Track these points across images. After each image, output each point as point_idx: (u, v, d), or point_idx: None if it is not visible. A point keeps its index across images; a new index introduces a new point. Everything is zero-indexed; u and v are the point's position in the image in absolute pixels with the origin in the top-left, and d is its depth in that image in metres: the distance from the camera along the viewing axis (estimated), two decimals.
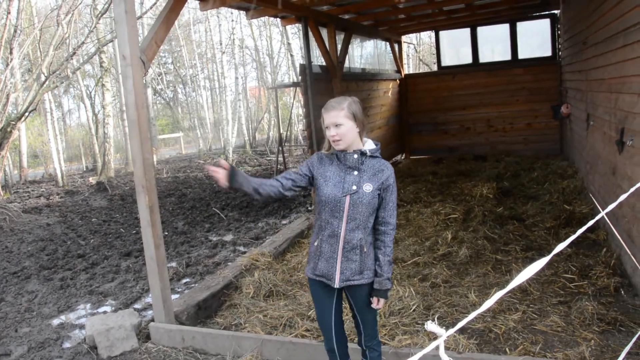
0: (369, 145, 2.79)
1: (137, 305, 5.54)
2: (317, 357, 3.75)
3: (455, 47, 12.55)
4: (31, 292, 6.33)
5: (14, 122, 12.17)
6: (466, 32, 11.93)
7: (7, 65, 12.62)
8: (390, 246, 2.79)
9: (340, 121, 2.66)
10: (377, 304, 2.79)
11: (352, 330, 3.67)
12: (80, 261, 7.46)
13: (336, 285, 2.75)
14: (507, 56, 11.83)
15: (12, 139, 12.76)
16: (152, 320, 4.55)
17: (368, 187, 2.68)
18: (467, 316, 3.80)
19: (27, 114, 12.67)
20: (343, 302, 2.99)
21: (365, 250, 2.72)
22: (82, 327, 4.99)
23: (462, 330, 3.90)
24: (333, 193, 2.70)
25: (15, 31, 12.37)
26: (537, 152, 11.33)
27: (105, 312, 5.31)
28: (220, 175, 2.62)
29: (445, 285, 4.89)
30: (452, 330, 1.22)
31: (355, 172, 2.72)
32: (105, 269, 6.97)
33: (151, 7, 15.46)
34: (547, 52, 11.53)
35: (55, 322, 5.32)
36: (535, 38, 11.69)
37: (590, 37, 6.58)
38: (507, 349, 3.66)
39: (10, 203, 12.67)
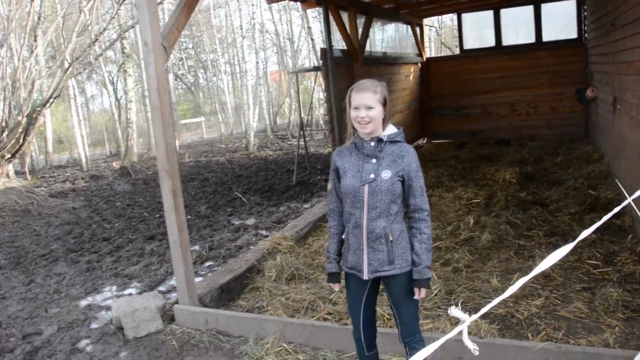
0: (389, 130, 2.70)
1: (162, 288, 5.64)
2: (338, 340, 3.79)
3: (477, 30, 12.37)
4: (59, 274, 6.48)
5: (39, 109, 12.35)
6: (489, 14, 11.73)
7: (32, 52, 12.79)
8: (427, 233, 2.67)
9: (373, 104, 2.57)
10: (419, 294, 2.68)
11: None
12: (105, 244, 7.60)
13: (365, 276, 2.69)
14: (531, 39, 11.61)
15: (37, 125, 12.96)
16: (176, 302, 4.63)
17: (386, 174, 2.60)
18: (489, 301, 3.77)
19: (51, 100, 12.85)
20: (380, 294, 2.91)
21: (391, 239, 2.63)
22: (108, 308, 5.10)
23: (483, 315, 3.89)
24: (351, 183, 2.65)
25: (39, 19, 12.51)
26: (561, 136, 11.14)
27: (130, 294, 5.43)
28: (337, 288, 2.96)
29: (467, 270, 4.88)
30: (475, 316, 1.22)
31: (374, 160, 2.64)
32: (130, 252, 7.09)
33: None
34: (573, 34, 11.29)
35: (83, 303, 5.45)
36: (561, 20, 11.45)
37: (618, 18, 6.42)
38: (529, 335, 3.66)
39: (37, 187, 12.93)
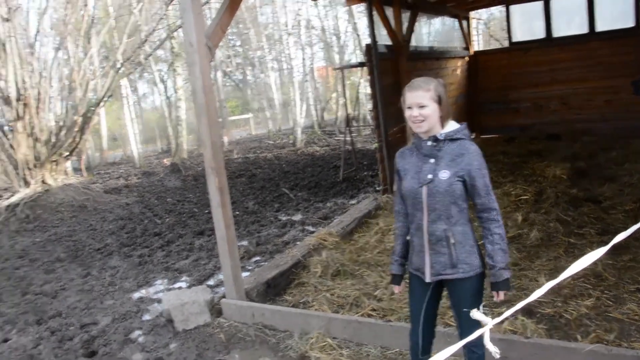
0: (449, 127, 2.60)
1: (210, 282, 5.79)
2: (382, 336, 3.80)
3: (527, 22, 12.01)
4: (113, 267, 6.74)
5: (93, 108, 12.84)
6: (539, 5, 11.37)
7: (86, 54, 13.29)
8: (499, 232, 2.54)
9: (425, 102, 2.50)
10: (498, 296, 2.59)
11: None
12: (156, 239, 7.84)
13: (427, 279, 2.64)
14: (584, 29, 11.19)
15: (92, 123, 13.49)
16: (224, 296, 4.74)
17: (444, 174, 2.51)
18: (537, 300, 3.68)
19: (105, 99, 13.33)
20: (442, 298, 2.86)
21: (453, 241, 2.54)
22: (159, 301, 5.28)
23: (530, 315, 3.83)
24: (410, 185, 2.60)
25: (92, 22, 12.99)
26: (616, 130, 10.70)
27: (180, 288, 5.59)
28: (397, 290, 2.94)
29: (515, 268, 4.79)
30: (497, 320, 1.22)
31: (432, 160, 2.56)
32: (180, 247, 7.30)
33: None
34: (629, 22, 10.82)
35: (136, 295, 5.66)
36: (616, 8, 10.98)
37: None
38: (578, 336, 3.55)
39: (92, 184, 13.47)
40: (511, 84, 11.86)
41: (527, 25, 11.98)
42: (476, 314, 1.26)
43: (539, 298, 3.89)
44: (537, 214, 6.10)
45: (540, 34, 11.62)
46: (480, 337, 2.68)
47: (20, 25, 12.27)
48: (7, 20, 11.10)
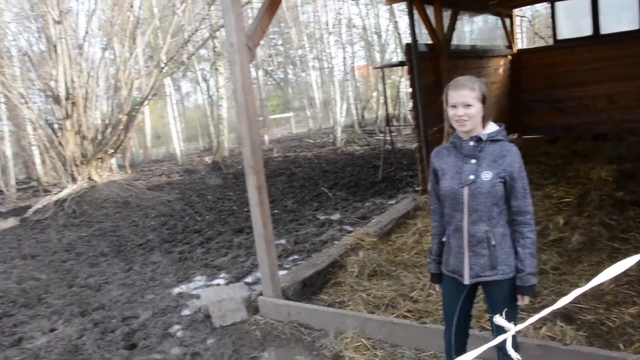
0: (490, 128, 2.57)
1: (248, 279, 5.86)
2: (417, 338, 3.77)
3: (573, 19, 11.66)
4: (154, 262, 6.91)
5: (137, 106, 13.18)
6: (586, 1, 11.05)
7: (132, 54, 13.64)
8: (530, 237, 2.53)
9: (470, 101, 2.47)
10: (522, 300, 2.58)
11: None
12: (196, 236, 7.99)
13: (466, 281, 2.62)
14: (635, 25, 10.81)
15: (136, 121, 13.84)
16: (261, 294, 4.80)
17: (487, 175, 2.48)
18: (577, 307, 3.59)
19: (149, 98, 13.66)
20: (476, 299, 2.85)
21: (493, 243, 2.52)
22: (198, 297, 5.38)
23: (570, 321, 3.73)
24: (450, 185, 2.57)
25: (137, 22, 13.32)
26: None
27: (218, 285, 5.70)
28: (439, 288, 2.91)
29: (555, 272, 4.67)
30: (520, 326, 1.21)
31: (473, 161, 2.53)
32: (219, 244, 7.42)
33: None
34: None
35: (175, 291, 5.79)
36: None
37: None
38: (620, 345, 3.43)
39: (136, 181, 13.82)
40: (556, 83, 11.53)
41: (573, 22, 11.63)
42: (499, 319, 1.26)
43: (579, 304, 3.79)
44: (580, 218, 5.92)
45: (587, 31, 11.27)
46: (514, 342, 2.64)
47: (70, 27, 12.69)
48: (59, 22, 11.50)
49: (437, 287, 2.93)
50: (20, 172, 19.55)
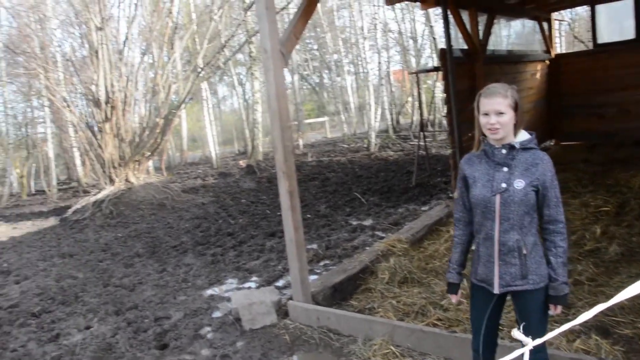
0: (522, 136, 2.53)
1: (279, 283, 5.89)
2: (446, 347, 3.72)
3: (614, 22, 11.33)
4: (187, 264, 7.01)
5: (174, 110, 13.42)
6: (629, 3, 10.71)
7: (170, 59, 13.92)
8: (563, 246, 2.49)
9: (503, 109, 2.43)
10: (555, 310, 2.53)
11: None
12: (229, 239, 8.08)
13: (496, 290, 2.57)
14: None
15: (173, 125, 14.10)
16: (291, 298, 4.81)
17: (519, 184, 2.45)
18: (613, 320, 3.48)
19: (186, 102, 13.90)
20: (505, 308, 2.80)
21: (524, 252, 2.48)
22: (229, 299, 5.43)
23: (606, 335, 3.61)
24: (482, 193, 2.53)
25: (175, 28, 13.59)
26: None
27: (249, 288, 5.74)
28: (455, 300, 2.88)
29: (591, 283, 4.54)
30: (538, 341, 1.18)
31: (505, 169, 2.49)
32: (251, 247, 7.47)
33: None
34: None
35: (207, 293, 5.85)
36: None
37: None
38: None
39: (172, 183, 14.06)
40: (596, 88, 11.22)
41: (614, 26, 11.31)
42: (517, 333, 1.24)
43: (616, 317, 3.68)
44: (619, 227, 5.74)
45: (629, 34, 10.94)
46: (543, 351, 2.57)
47: (111, 33, 13.04)
48: (101, 29, 11.84)
49: (453, 297, 2.86)
50: (61, 172, 20.18)
